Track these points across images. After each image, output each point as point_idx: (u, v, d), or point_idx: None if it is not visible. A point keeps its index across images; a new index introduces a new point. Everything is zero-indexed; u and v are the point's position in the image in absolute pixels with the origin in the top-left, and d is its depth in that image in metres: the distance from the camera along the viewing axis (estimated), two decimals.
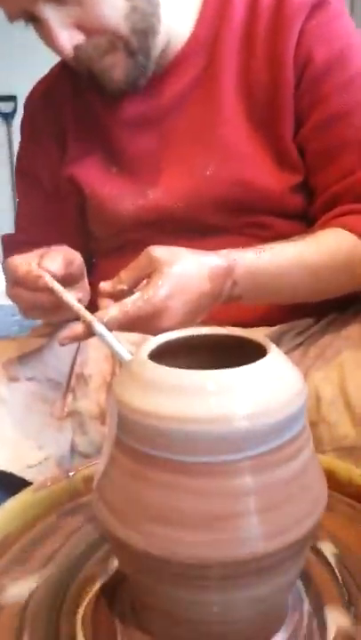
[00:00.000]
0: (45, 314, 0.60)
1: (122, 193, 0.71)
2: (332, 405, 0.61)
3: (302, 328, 0.71)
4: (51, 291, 0.53)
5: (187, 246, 0.71)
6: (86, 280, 0.61)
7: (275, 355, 0.36)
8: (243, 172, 0.67)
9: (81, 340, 0.52)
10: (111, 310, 0.49)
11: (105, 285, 0.53)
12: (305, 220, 0.69)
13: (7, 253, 0.82)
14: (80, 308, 0.50)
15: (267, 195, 0.67)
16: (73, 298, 0.52)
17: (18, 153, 0.82)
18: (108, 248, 0.77)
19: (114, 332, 0.48)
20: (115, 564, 0.43)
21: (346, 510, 0.48)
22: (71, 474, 0.53)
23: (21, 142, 0.81)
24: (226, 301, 0.56)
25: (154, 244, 0.73)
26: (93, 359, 0.69)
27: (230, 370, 0.34)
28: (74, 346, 0.70)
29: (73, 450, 0.63)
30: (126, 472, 0.34)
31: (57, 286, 0.53)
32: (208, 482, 0.32)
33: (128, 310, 0.49)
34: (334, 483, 0.49)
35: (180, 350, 0.41)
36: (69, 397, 0.65)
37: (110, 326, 0.48)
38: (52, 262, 0.54)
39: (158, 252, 0.52)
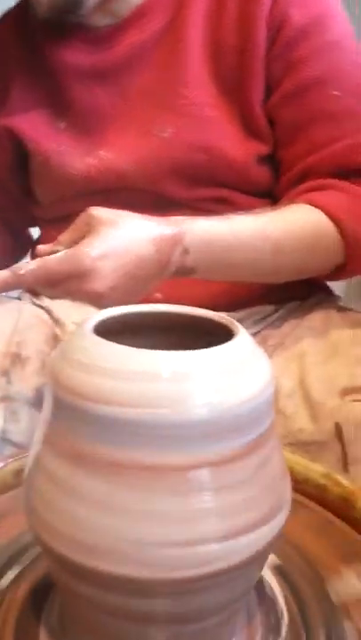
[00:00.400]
0: None
1: (70, 150, 0.65)
2: (290, 398, 0.57)
3: (262, 315, 0.66)
4: None
5: None
6: None
7: (243, 338, 0.31)
8: (205, 136, 0.61)
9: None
10: (30, 264, 0.44)
11: (43, 248, 0.48)
12: (270, 199, 0.65)
13: None
14: None
15: (230, 163, 0.62)
16: None
17: None
18: (54, 217, 0.70)
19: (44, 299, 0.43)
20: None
21: (301, 511, 0.44)
22: (0, 465, 0.47)
23: None
24: (177, 274, 0.51)
25: None
26: (32, 340, 0.62)
27: (190, 352, 0.28)
28: (9, 325, 0.63)
29: (3, 438, 0.56)
30: (61, 464, 0.28)
31: None
32: (155, 478, 0.27)
33: (48, 265, 0.43)
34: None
35: (128, 330, 0.34)
36: (2, 381, 0.58)
37: (27, 280, 0.43)
38: None
39: (99, 211, 0.48)
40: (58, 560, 0.29)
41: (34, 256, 0.74)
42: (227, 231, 0.53)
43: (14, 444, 0.57)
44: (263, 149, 0.63)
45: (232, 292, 0.64)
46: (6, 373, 0.58)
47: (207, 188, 0.64)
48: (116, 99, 0.64)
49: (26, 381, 0.59)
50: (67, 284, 0.45)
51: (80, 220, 0.48)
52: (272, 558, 0.38)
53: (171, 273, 0.50)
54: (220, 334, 0.31)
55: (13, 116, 0.67)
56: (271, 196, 0.65)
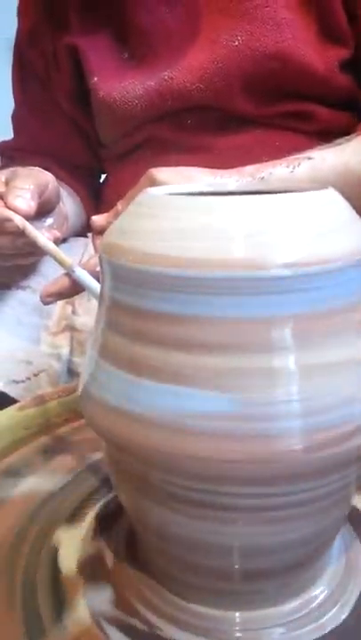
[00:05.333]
0: (10, 258, 0.50)
1: (133, 82, 0.60)
2: None
3: None
4: (21, 234, 0.42)
5: (211, 144, 0.61)
6: (63, 204, 0.51)
7: (332, 193, 0.25)
8: (279, 43, 0.54)
9: (68, 297, 0.41)
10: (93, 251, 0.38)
11: (98, 219, 0.42)
12: (355, 111, 0.57)
13: (4, 162, 0.72)
14: (58, 252, 0.39)
15: (308, 71, 0.55)
16: (49, 240, 0.41)
17: (15, 38, 0.71)
18: (120, 153, 0.66)
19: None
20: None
21: None
22: (63, 394, 0.44)
23: (18, 23, 0.70)
24: None
25: (170, 142, 0.62)
26: None
27: (273, 196, 0.23)
28: (77, 257, 0.60)
29: (70, 370, 0.54)
30: (126, 339, 0.24)
31: (30, 228, 0.42)
32: (233, 339, 0.22)
33: None
34: None
35: None
36: (68, 309, 0.55)
37: (93, 269, 0.38)
38: (21, 198, 0.43)
39: (163, 175, 0.41)
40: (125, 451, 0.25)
41: (105, 203, 0.70)
42: (308, 176, 0.46)
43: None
44: (345, 53, 0.55)
45: None
46: (72, 303, 0.56)
47: (282, 102, 0.57)
48: (182, 16, 0.59)
49: (91, 314, 0.56)
50: None
51: (141, 185, 0.42)
52: None
53: None
54: None
55: (75, 37, 0.63)
56: (357, 109, 0.58)
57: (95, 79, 0.62)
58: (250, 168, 0.44)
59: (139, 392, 0.23)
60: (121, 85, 0.61)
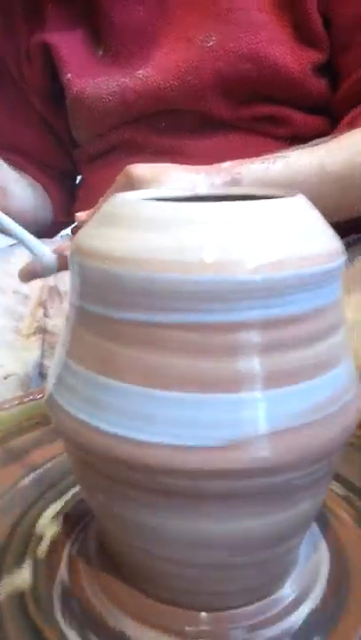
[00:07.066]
0: None
1: (107, 79, 0.60)
2: (352, 331, 0.51)
3: None
4: None
5: (184, 147, 0.61)
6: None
7: (302, 200, 0.25)
8: (253, 45, 0.55)
9: (43, 277, 0.41)
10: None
11: (81, 215, 0.43)
12: (328, 115, 0.58)
13: None
14: (30, 239, 0.38)
15: (282, 73, 0.55)
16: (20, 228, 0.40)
17: None
18: (94, 154, 0.66)
19: None
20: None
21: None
22: (39, 396, 0.44)
23: None
24: None
25: (145, 145, 0.62)
26: None
27: (239, 203, 0.23)
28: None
29: (41, 373, 0.53)
30: (95, 341, 0.24)
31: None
32: (199, 340, 0.22)
33: None
34: None
35: None
36: (40, 312, 0.55)
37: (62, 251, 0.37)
38: None
39: (140, 170, 0.42)
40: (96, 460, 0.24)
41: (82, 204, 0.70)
42: (280, 173, 0.46)
43: None
44: (319, 57, 0.56)
45: None
46: (44, 305, 0.55)
47: (257, 105, 0.58)
48: (155, 12, 0.59)
49: (63, 316, 0.55)
50: None
51: (119, 181, 0.43)
52: None
53: None
54: None
55: (49, 33, 0.63)
56: (329, 113, 0.59)
57: (69, 75, 0.62)
58: (226, 164, 0.44)
59: (106, 393, 0.23)
60: (94, 82, 0.61)
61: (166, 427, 0.22)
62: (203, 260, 0.22)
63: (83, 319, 0.25)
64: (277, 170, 0.46)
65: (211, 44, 0.55)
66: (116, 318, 0.23)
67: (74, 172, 0.76)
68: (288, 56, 0.55)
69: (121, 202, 0.25)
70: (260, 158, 0.46)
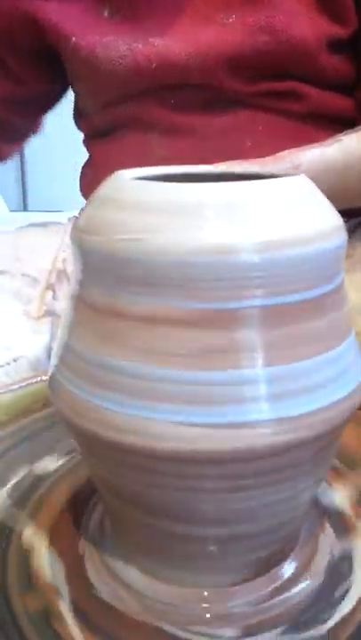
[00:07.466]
0: None
1: (117, 39, 0.57)
2: (357, 315, 0.50)
3: None
4: None
5: (194, 125, 0.59)
6: None
7: (303, 179, 0.25)
8: (272, 16, 0.53)
9: None
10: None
11: None
12: (346, 93, 0.57)
13: None
14: None
15: (294, 43, 0.53)
16: None
17: None
18: (100, 129, 0.65)
19: None
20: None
21: None
22: (45, 377, 0.44)
23: None
24: None
25: (152, 122, 0.61)
26: None
27: (240, 183, 0.23)
28: (56, 241, 0.60)
29: (50, 355, 0.53)
30: (94, 332, 0.24)
31: None
32: (200, 319, 0.22)
33: None
34: None
35: None
36: (48, 295, 0.55)
37: None
38: None
39: None
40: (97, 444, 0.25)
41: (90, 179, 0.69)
42: (338, 158, 0.46)
43: None
44: (340, 32, 0.54)
45: None
46: (52, 288, 0.55)
47: (273, 81, 0.56)
48: None
49: None
50: None
51: None
52: None
53: None
54: None
55: (49, 6, 0.60)
56: (346, 91, 0.57)
57: (74, 39, 0.59)
58: (283, 153, 0.45)
59: (107, 372, 0.23)
60: (103, 41, 0.58)
61: (168, 405, 0.22)
62: (202, 241, 0.22)
63: (84, 299, 0.25)
64: (332, 153, 0.46)
65: (231, 20, 0.54)
66: (117, 298, 0.23)
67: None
68: (307, 29, 0.53)
69: (121, 182, 0.25)
70: (314, 144, 0.46)
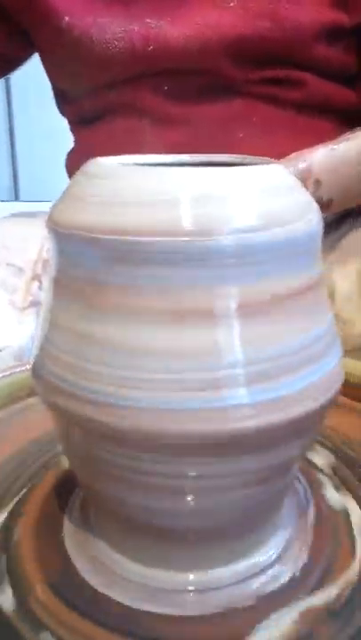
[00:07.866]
0: None
1: (111, 20, 0.56)
2: (349, 301, 0.51)
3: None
4: None
5: (186, 114, 0.58)
6: None
7: (278, 168, 0.25)
8: (274, 2, 0.53)
9: None
10: None
11: None
12: (342, 82, 0.56)
13: None
14: None
15: (299, 33, 0.53)
16: None
17: None
18: (89, 114, 0.63)
19: None
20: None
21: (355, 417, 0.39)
22: (29, 367, 0.44)
23: None
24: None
25: (144, 110, 0.60)
26: None
27: (214, 169, 0.23)
28: (42, 230, 0.60)
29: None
30: (74, 319, 0.24)
31: None
32: (176, 304, 0.22)
33: None
34: (346, 387, 0.39)
35: None
36: (34, 286, 0.55)
37: None
38: None
39: None
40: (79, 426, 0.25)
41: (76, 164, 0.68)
42: (346, 155, 0.46)
43: None
44: (344, 20, 0.54)
45: None
46: (38, 278, 0.55)
47: (270, 68, 0.55)
48: None
49: None
50: None
51: None
52: None
53: None
54: None
55: None
56: (343, 80, 0.57)
57: (66, 19, 0.57)
58: (292, 155, 0.45)
59: (86, 358, 0.23)
60: (98, 22, 0.57)
61: (148, 391, 0.22)
62: (177, 225, 0.22)
63: (61, 287, 0.25)
64: (342, 150, 0.46)
65: (232, 4, 0.53)
66: (93, 283, 0.23)
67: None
68: (311, 16, 0.53)
69: (97, 167, 0.24)
70: (319, 145, 0.47)
